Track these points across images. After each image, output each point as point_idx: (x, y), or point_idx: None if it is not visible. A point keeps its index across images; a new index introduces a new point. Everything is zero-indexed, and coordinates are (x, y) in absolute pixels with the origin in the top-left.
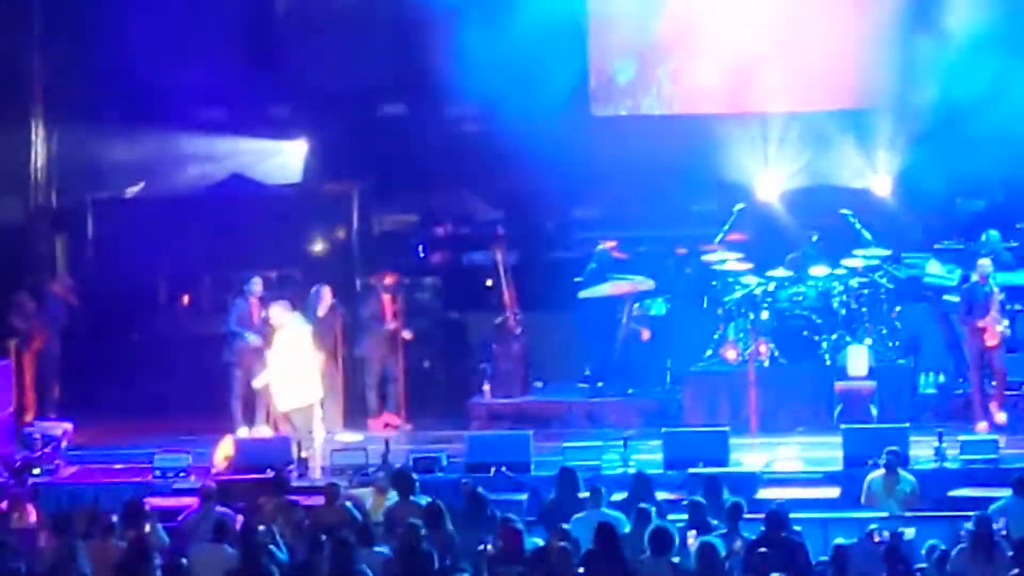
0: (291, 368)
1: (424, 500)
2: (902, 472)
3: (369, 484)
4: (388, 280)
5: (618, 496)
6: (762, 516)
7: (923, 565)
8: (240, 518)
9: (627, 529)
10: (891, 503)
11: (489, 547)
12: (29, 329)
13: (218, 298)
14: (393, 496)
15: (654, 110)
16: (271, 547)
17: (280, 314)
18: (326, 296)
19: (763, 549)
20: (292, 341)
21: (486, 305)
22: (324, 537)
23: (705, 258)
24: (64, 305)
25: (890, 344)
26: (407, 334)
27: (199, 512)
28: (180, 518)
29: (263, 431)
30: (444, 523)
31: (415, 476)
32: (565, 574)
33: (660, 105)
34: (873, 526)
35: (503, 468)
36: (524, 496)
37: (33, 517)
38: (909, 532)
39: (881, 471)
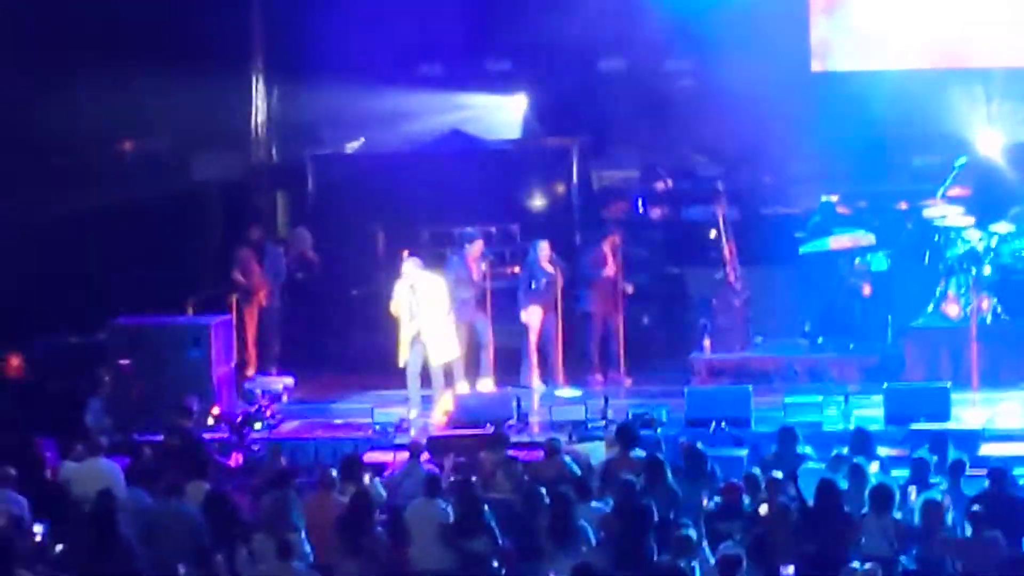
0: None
1: (642, 454)
2: None
3: (592, 439)
4: (610, 235)
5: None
6: (984, 472)
7: None
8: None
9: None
10: None
11: (707, 502)
12: (251, 284)
13: (436, 253)
14: (611, 450)
15: (874, 65)
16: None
17: (411, 272)
18: (544, 250)
19: (978, 507)
20: (425, 300)
21: (706, 260)
22: (543, 491)
23: (927, 213)
24: (283, 261)
25: None
26: (628, 288)
27: (406, 468)
28: (386, 473)
29: (484, 385)
30: (665, 478)
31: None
32: (784, 531)
33: (881, 60)
34: None
35: (723, 423)
36: (744, 452)
37: None
38: None
39: None
